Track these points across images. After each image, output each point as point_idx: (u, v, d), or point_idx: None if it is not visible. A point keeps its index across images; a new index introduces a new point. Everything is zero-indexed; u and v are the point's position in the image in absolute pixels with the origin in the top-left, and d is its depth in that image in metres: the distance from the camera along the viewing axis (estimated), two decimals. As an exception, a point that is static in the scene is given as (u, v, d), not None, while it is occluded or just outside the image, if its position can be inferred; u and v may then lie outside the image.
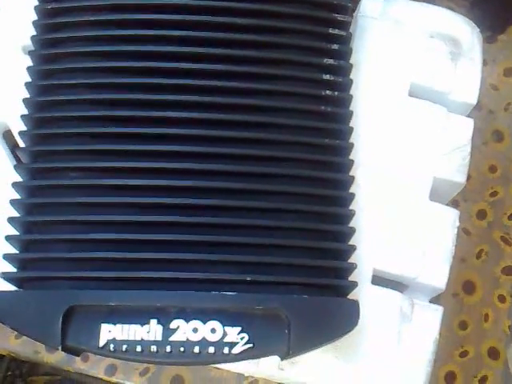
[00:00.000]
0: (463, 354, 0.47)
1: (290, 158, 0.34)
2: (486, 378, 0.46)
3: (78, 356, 0.32)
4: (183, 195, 0.32)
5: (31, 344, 0.44)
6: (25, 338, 0.44)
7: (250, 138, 0.33)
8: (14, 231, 0.33)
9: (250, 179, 0.33)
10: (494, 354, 0.47)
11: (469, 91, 0.39)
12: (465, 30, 0.40)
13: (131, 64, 0.34)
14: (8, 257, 0.32)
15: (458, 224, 0.36)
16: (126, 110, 0.34)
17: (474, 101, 0.39)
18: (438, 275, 0.35)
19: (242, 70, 0.35)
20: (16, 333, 0.44)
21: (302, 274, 0.32)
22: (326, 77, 0.35)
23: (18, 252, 0.32)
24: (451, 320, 0.47)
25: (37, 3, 0.36)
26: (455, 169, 0.37)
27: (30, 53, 0.36)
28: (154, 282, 0.31)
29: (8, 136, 0.39)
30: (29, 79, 0.35)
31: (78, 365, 0.45)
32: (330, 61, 0.35)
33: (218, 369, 0.42)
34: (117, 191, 0.32)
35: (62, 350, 0.30)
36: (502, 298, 0.48)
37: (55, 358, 0.45)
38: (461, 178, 0.37)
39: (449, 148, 0.37)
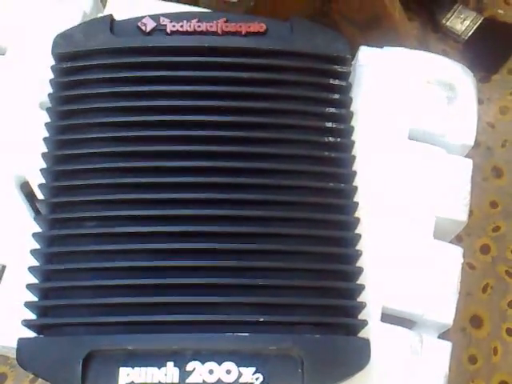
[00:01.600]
0: (474, 389, 0.47)
1: (299, 202, 0.35)
2: (498, 413, 0.46)
3: (98, 400, 0.33)
4: (196, 240, 0.33)
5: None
6: (39, 382, 0.44)
7: (262, 183, 0.35)
8: (34, 279, 0.34)
9: (262, 223, 0.34)
10: (504, 388, 0.47)
11: (466, 133, 0.40)
12: (459, 76, 0.42)
13: (146, 118, 0.36)
14: (28, 305, 0.33)
15: (462, 261, 0.37)
16: (141, 161, 0.35)
17: (471, 142, 0.40)
18: (444, 311, 0.36)
19: (250, 120, 0.36)
20: (30, 377, 0.45)
21: (313, 314, 0.33)
22: (329, 124, 0.37)
23: (37, 299, 0.34)
24: (460, 354, 0.48)
25: (53, 63, 0.39)
26: (457, 208, 0.38)
27: (47, 109, 0.38)
28: (170, 325, 0.32)
29: (24, 187, 0.41)
30: (46, 134, 0.37)
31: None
32: (332, 109, 0.37)
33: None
34: (132, 238, 0.34)
35: (83, 395, 0.31)
36: (510, 331, 0.49)
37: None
38: (462, 216, 0.38)
39: (449, 188, 0.38)
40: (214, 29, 0.39)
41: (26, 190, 0.40)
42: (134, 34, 0.39)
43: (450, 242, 0.40)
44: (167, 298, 0.32)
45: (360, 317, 0.34)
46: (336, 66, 0.38)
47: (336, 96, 0.38)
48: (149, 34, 0.39)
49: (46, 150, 0.37)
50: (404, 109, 0.40)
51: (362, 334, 0.33)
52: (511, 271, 0.51)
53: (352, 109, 0.38)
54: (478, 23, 0.65)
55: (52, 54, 0.38)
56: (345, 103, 0.38)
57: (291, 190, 0.36)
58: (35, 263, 0.34)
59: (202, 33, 0.39)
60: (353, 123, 0.38)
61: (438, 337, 0.38)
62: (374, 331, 0.34)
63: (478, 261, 0.51)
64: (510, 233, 0.53)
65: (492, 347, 0.48)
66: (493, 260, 0.51)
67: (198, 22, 0.39)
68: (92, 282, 0.33)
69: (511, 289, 0.50)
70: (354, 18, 0.57)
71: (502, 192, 0.55)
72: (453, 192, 0.38)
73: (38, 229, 0.35)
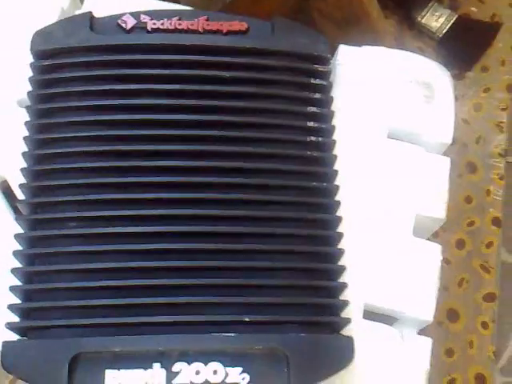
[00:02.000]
0: (451, 382, 0.48)
1: (281, 202, 0.35)
2: (474, 404, 0.48)
3: (83, 403, 0.33)
4: (180, 240, 0.34)
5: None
6: (19, 383, 0.44)
7: (244, 183, 0.35)
8: (16, 282, 0.34)
9: (245, 222, 0.34)
10: (480, 379, 0.49)
11: (444, 131, 0.41)
12: (437, 74, 0.43)
13: (128, 117, 0.36)
14: (11, 307, 0.33)
15: (441, 258, 0.38)
16: (123, 160, 0.35)
17: (449, 140, 0.41)
18: (425, 308, 0.37)
19: (230, 119, 0.37)
20: (10, 378, 0.44)
21: (298, 313, 0.33)
22: (310, 124, 0.37)
23: (20, 302, 0.33)
24: (438, 348, 0.49)
25: (32, 60, 0.38)
26: (435, 205, 0.39)
27: (26, 108, 0.37)
28: (156, 326, 0.32)
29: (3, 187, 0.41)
30: (26, 133, 0.37)
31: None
32: (313, 109, 0.38)
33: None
34: (116, 239, 0.33)
35: (69, 398, 0.31)
36: (484, 325, 0.50)
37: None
38: (441, 213, 0.39)
39: (428, 186, 0.39)
40: (194, 27, 0.38)
41: (5, 189, 0.40)
42: (115, 31, 0.38)
43: (427, 239, 0.41)
44: (153, 299, 0.32)
45: (343, 315, 0.34)
46: (317, 66, 0.39)
47: (317, 95, 0.38)
48: (129, 31, 0.38)
49: (25, 149, 0.36)
50: (383, 108, 0.41)
51: (345, 331, 0.34)
52: (486, 265, 0.52)
53: (331, 108, 0.39)
54: (452, 21, 0.66)
55: (31, 51, 0.38)
56: (326, 102, 0.38)
57: (273, 189, 0.36)
58: (18, 264, 0.34)
59: (182, 31, 0.38)
60: (333, 122, 0.39)
61: (418, 333, 0.39)
62: (357, 328, 0.35)
63: (453, 256, 0.52)
64: (485, 227, 0.54)
65: (468, 340, 0.49)
66: (468, 254, 0.53)
67: (179, 19, 0.39)
68: (76, 283, 0.33)
69: (486, 283, 0.52)
70: (332, 16, 0.57)
71: (477, 187, 0.56)
72: (431, 190, 0.39)
73: (19, 230, 0.35)
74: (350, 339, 0.32)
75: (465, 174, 0.57)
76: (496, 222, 0.54)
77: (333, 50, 0.43)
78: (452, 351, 0.49)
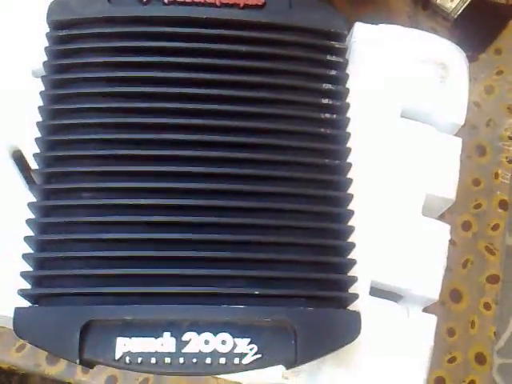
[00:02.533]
0: (451, 360, 0.49)
1: (293, 178, 0.36)
2: (473, 383, 0.48)
3: (92, 368, 0.33)
4: (194, 213, 0.34)
5: (32, 357, 0.45)
6: (26, 351, 0.45)
7: (257, 158, 0.35)
8: (29, 250, 0.34)
9: (257, 198, 0.34)
10: (480, 359, 0.49)
11: (456, 112, 0.41)
12: (452, 55, 0.42)
13: (143, 89, 0.36)
14: (24, 274, 0.33)
15: (449, 237, 0.38)
16: (138, 133, 0.35)
17: (461, 121, 0.41)
18: (431, 286, 0.37)
19: (246, 94, 0.37)
20: (17, 346, 0.45)
21: (306, 288, 0.34)
22: (325, 101, 0.37)
23: (32, 269, 0.34)
24: (440, 327, 0.49)
25: (48, 30, 0.38)
26: (446, 185, 0.39)
27: (42, 78, 0.37)
28: (167, 296, 0.33)
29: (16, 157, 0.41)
30: (40, 103, 0.37)
31: (78, 376, 0.46)
32: (329, 86, 0.37)
33: (217, 378, 0.44)
34: (129, 210, 0.34)
35: (80, 364, 0.31)
36: (487, 306, 0.51)
37: (56, 370, 0.46)
38: (451, 194, 0.39)
39: (439, 165, 0.39)
40: (212, 0, 0.38)
41: (17, 159, 0.40)
42: (132, 3, 0.38)
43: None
44: (164, 270, 0.33)
45: (350, 290, 0.35)
46: (333, 42, 0.38)
47: (333, 72, 0.38)
48: (146, 3, 0.38)
49: (40, 119, 0.36)
50: (397, 87, 0.41)
51: (352, 307, 0.34)
52: (491, 247, 0.53)
53: (347, 86, 0.39)
54: (467, 2, 0.65)
55: (47, 21, 0.38)
56: (341, 80, 0.38)
57: (285, 165, 0.36)
58: (30, 233, 0.34)
59: (199, 4, 0.38)
60: (348, 100, 0.39)
61: (422, 311, 0.39)
62: (363, 304, 0.35)
63: (458, 237, 0.53)
64: (491, 210, 0.54)
65: (470, 320, 0.50)
66: (473, 236, 0.53)
67: (196, -8, 0.38)
68: (88, 252, 0.33)
69: (490, 264, 0.52)
70: (347, -7, 0.56)
71: (485, 170, 0.56)
72: (442, 170, 0.39)
73: (31, 199, 0.35)
74: (356, 314, 0.33)
75: (474, 157, 0.57)
76: (503, 204, 0.54)
77: (348, 28, 0.43)
78: (453, 331, 0.49)
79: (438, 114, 0.41)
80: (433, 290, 0.37)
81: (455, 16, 0.65)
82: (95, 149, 0.35)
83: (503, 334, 0.87)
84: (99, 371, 0.46)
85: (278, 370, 0.36)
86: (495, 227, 0.54)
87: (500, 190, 0.55)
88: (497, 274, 0.52)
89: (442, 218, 0.53)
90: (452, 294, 0.51)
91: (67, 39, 0.37)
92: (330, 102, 0.37)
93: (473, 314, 0.50)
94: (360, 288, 0.36)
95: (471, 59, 0.62)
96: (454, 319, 0.50)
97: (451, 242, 0.53)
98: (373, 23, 0.45)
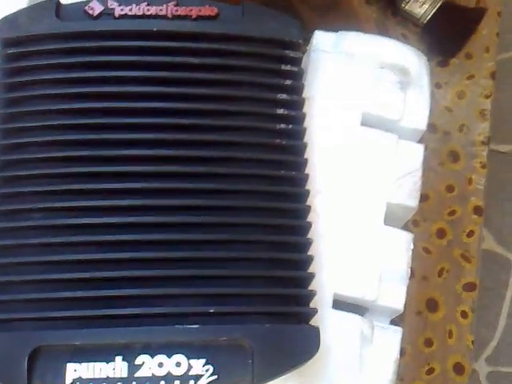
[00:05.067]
0: (429, 371, 0.48)
1: (249, 191, 0.35)
2: (452, 394, 0.47)
3: (45, 396, 0.32)
4: (145, 231, 0.33)
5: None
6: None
7: (211, 172, 0.34)
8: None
9: (208, 212, 0.34)
10: (459, 369, 0.48)
11: (418, 118, 0.40)
12: (413, 60, 0.42)
13: (95, 105, 0.35)
14: (-29, 300, 0.32)
15: (412, 246, 0.37)
16: (90, 149, 0.34)
17: (423, 127, 0.40)
18: (395, 297, 0.36)
19: (199, 107, 0.36)
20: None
21: (263, 304, 0.33)
22: (280, 111, 0.36)
23: (-20, 295, 0.33)
24: (416, 338, 0.48)
25: (-3, 48, 0.37)
26: (407, 194, 0.38)
27: (-10, 97, 0.36)
28: (118, 318, 0.31)
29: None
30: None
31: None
32: (284, 96, 0.37)
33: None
34: (78, 230, 0.33)
35: (29, 392, 0.30)
36: (464, 314, 0.50)
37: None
38: (413, 202, 0.38)
39: (400, 174, 0.38)
40: (163, 12, 0.38)
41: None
42: (81, 18, 0.37)
43: (405, 227, 0.40)
44: (115, 292, 0.32)
45: (312, 304, 0.34)
46: (288, 51, 0.38)
47: (288, 82, 0.37)
48: (96, 18, 0.38)
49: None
50: (357, 94, 0.40)
51: (314, 321, 0.33)
52: (466, 254, 0.52)
53: (306, 94, 0.38)
54: (436, 7, 0.65)
55: (-4, 38, 0.37)
56: (297, 89, 0.37)
57: (242, 177, 0.35)
58: (-21, 257, 0.33)
59: (151, 16, 0.38)
60: (306, 109, 0.38)
61: (392, 322, 0.38)
62: (326, 318, 0.34)
63: (433, 245, 0.52)
64: (466, 216, 0.53)
65: (447, 330, 0.49)
66: (448, 244, 0.52)
67: (148, 5, 0.38)
68: (36, 276, 0.32)
69: (466, 272, 0.51)
70: (312, 1, 0.56)
71: (458, 176, 0.55)
72: (403, 178, 0.38)
73: (-19, 221, 0.34)
74: (315, 329, 0.32)
75: (447, 163, 0.56)
76: (478, 210, 0.54)
77: (304, 36, 0.42)
78: (431, 341, 0.49)
79: (399, 120, 0.40)
80: (397, 300, 0.36)
81: (425, 21, 0.65)
82: (46, 168, 0.34)
83: (491, 342, 0.86)
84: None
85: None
86: (470, 234, 0.53)
87: (474, 196, 0.54)
88: (473, 282, 0.51)
89: (415, 225, 0.52)
90: (428, 304, 0.50)
91: (17, 57, 0.37)
92: (286, 112, 0.37)
93: (450, 323, 0.49)
94: (322, 302, 0.35)
95: (442, 64, 0.62)
96: (431, 329, 0.49)
97: (426, 251, 0.52)
98: (334, 31, 0.44)
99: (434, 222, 0.53)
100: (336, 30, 0.44)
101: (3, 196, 0.35)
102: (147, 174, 0.34)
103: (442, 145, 0.57)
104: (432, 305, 0.50)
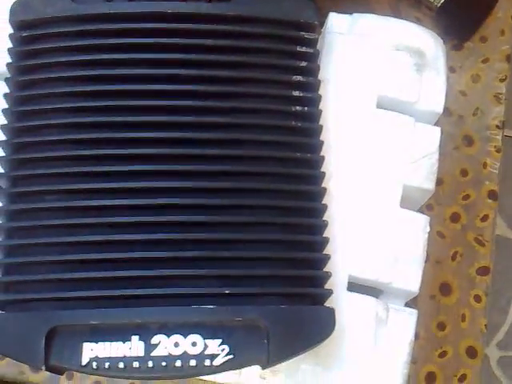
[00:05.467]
0: (442, 355, 0.48)
1: (264, 173, 0.35)
2: (465, 377, 0.47)
3: (62, 375, 0.32)
4: (161, 213, 0.33)
5: (16, 364, 0.45)
6: (9, 359, 0.44)
7: (226, 154, 0.34)
8: (-5, 255, 0.33)
9: (226, 194, 0.34)
10: (471, 352, 0.48)
11: (435, 101, 0.40)
12: (429, 42, 0.41)
13: (110, 87, 0.35)
14: (-10, 281, 0.33)
15: (428, 229, 0.37)
16: (103, 132, 0.34)
17: (440, 110, 0.40)
18: (411, 279, 0.36)
19: (214, 89, 0.36)
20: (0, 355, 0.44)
21: (278, 285, 0.33)
22: (296, 93, 0.36)
23: (-1, 275, 0.33)
24: (430, 321, 0.48)
25: (11, 31, 0.37)
26: (424, 176, 0.38)
27: (6, 80, 0.36)
28: (135, 299, 0.32)
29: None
30: (5, 105, 0.36)
31: (62, 383, 0.45)
32: (299, 77, 0.37)
33: (201, 379, 0.43)
34: (94, 212, 0.33)
35: (46, 370, 0.31)
36: (477, 298, 0.50)
37: (40, 377, 0.45)
38: (429, 184, 0.38)
39: (417, 156, 0.38)
40: (177, -6, 0.37)
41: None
42: (95, 0, 0.37)
43: (420, 211, 0.40)
44: (132, 272, 0.32)
45: (326, 286, 0.34)
46: (303, 33, 0.37)
47: (303, 63, 0.37)
48: (110, 0, 0.37)
49: (5, 121, 0.36)
50: (373, 76, 0.40)
51: (329, 303, 0.33)
52: (480, 238, 0.52)
53: (321, 77, 0.38)
54: (450, -11, 0.64)
55: (10, 21, 0.37)
56: (312, 71, 0.37)
57: (257, 160, 0.35)
58: (-4, 238, 0.34)
59: (165, -2, 0.37)
60: (321, 91, 0.38)
61: (406, 305, 0.38)
62: (340, 300, 0.34)
63: (447, 229, 0.51)
64: (480, 201, 0.53)
65: (460, 314, 0.49)
66: (462, 228, 0.52)
67: (162, -13, 0.38)
68: (54, 256, 0.32)
69: (480, 256, 0.51)
70: (325, -16, 0.55)
71: (473, 160, 0.55)
72: (420, 160, 0.38)
73: (-2, 203, 0.34)
74: (331, 310, 0.32)
75: (461, 147, 0.56)
76: (492, 195, 0.53)
77: (320, 18, 0.42)
78: (444, 324, 0.48)
79: (415, 103, 0.40)
80: (413, 283, 0.36)
81: (439, 5, 0.64)
82: (62, 150, 0.35)
83: (502, 327, 0.86)
84: (84, 377, 0.45)
85: (256, 370, 0.35)
86: (484, 218, 0.53)
87: (489, 180, 0.54)
88: (487, 266, 0.51)
89: (430, 210, 0.52)
90: (441, 287, 0.50)
91: (31, 39, 0.37)
92: (301, 94, 0.36)
93: (463, 307, 0.49)
94: (337, 283, 0.35)
95: (456, 48, 0.61)
96: (444, 313, 0.49)
97: (440, 235, 0.52)
98: (349, 13, 0.44)
99: (448, 206, 0.52)
100: (348, 12, 0.43)
101: (19, 178, 0.35)
102: (163, 155, 0.34)
103: (456, 129, 0.56)
104: (445, 288, 0.49)
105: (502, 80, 0.58)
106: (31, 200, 0.34)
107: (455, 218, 0.52)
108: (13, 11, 0.37)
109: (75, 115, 0.35)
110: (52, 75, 0.36)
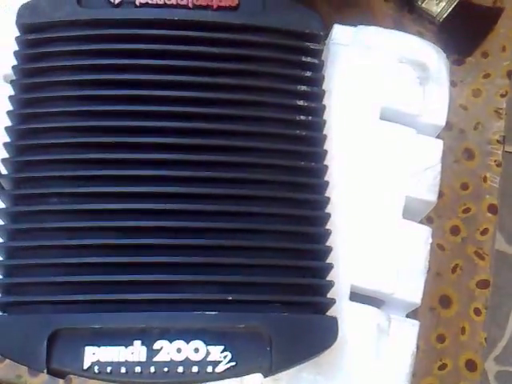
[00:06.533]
0: (442, 367, 0.48)
1: (268, 181, 0.35)
2: (464, 390, 0.47)
3: (63, 378, 0.32)
4: (165, 218, 0.33)
5: (14, 368, 0.44)
6: (7, 362, 0.44)
7: (232, 161, 0.34)
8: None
9: (228, 201, 0.34)
10: (471, 365, 0.48)
11: (437, 113, 0.40)
12: (432, 56, 0.42)
13: (114, 92, 0.35)
14: (-8, 283, 0.32)
15: (430, 241, 0.37)
16: (107, 136, 0.34)
17: (442, 122, 0.40)
18: (413, 290, 0.36)
19: (219, 97, 0.36)
20: (-2, 357, 0.44)
21: (281, 293, 0.33)
22: (300, 102, 0.36)
23: (1, 277, 0.33)
24: (429, 334, 0.48)
25: (18, 34, 0.37)
26: (426, 188, 0.38)
27: (11, 82, 0.36)
28: (137, 303, 0.32)
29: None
30: (10, 107, 0.36)
31: (60, 388, 0.45)
32: (304, 87, 0.37)
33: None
34: (97, 215, 0.33)
35: (47, 373, 0.30)
36: (477, 311, 0.50)
37: (38, 381, 0.45)
38: (432, 196, 0.38)
39: (419, 168, 0.38)
40: (184, 2, 0.38)
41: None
42: (102, 5, 0.38)
43: (420, 223, 0.40)
44: (134, 277, 0.32)
45: (329, 295, 0.34)
46: (308, 43, 0.38)
47: (308, 73, 0.37)
48: (117, 5, 0.38)
49: (9, 123, 0.36)
50: (376, 88, 0.40)
51: (331, 312, 0.33)
52: (480, 252, 0.52)
53: (325, 87, 0.38)
54: (453, 5, 0.64)
55: (16, 24, 0.37)
56: (317, 81, 0.38)
57: (261, 168, 0.35)
58: (-1, 240, 0.33)
59: (172, 6, 0.38)
60: (325, 102, 0.38)
61: (407, 316, 0.38)
62: (343, 310, 0.34)
63: (447, 242, 0.52)
64: (480, 214, 0.53)
65: (460, 326, 0.49)
66: (462, 241, 0.52)
67: (169, -6, 0.38)
68: (57, 259, 0.32)
69: (479, 269, 0.51)
70: (330, -3, 0.56)
71: (473, 174, 0.55)
72: (423, 172, 0.38)
73: (1, 205, 0.34)
74: (333, 320, 0.32)
75: (462, 160, 0.56)
76: (492, 209, 0.53)
77: (329, 31, 0.42)
78: (444, 337, 0.48)
79: (418, 115, 0.40)
80: (415, 293, 0.36)
81: (441, 20, 0.64)
82: (66, 153, 0.35)
83: (500, 342, 0.86)
84: (82, 382, 0.45)
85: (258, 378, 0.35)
86: (484, 232, 0.53)
87: (489, 194, 0.54)
88: (487, 279, 0.51)
89: (430, 222, 0.52)
90: (441, 300, 0.50)
91: (37, 43, 0.37)
92: (306, 104, 0.37)
93: (463, 320, 0.49)
94: (339, 293, 0.35)
95: (458, 63, 0.61)
96: (444, 325, 0.49)
97: (440, 247, 0.52)
98: (353, 25, 0.44)
99: (449, 219, 0.53)
100: (353, 24, 0.44)
101: (22, 180, 0.35)
102: (168, 161, 0.34)
103: (457, 142, 0.56)
104: (445, 301, 0.49)
105: (502, 95, 0.59)
106: (34, 202, 0.34)
107: (455, 230, 0.53)
108: (20, 14, 0.37)
109: (80, 119, 0.35)
110: (57, 79, 0.36)
